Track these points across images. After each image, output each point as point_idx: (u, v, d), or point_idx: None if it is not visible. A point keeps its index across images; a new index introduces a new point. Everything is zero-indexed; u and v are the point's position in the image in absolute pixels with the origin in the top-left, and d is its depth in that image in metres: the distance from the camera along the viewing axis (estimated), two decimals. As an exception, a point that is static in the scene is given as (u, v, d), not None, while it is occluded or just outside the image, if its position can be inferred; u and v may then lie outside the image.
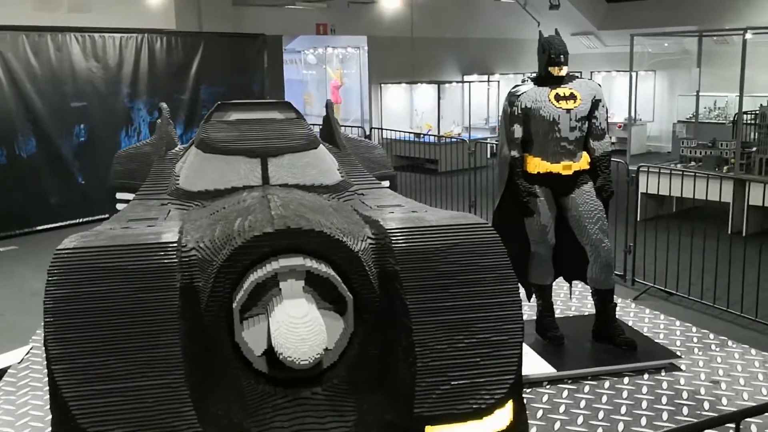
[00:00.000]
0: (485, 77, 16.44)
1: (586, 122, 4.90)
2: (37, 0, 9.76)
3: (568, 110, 4.79)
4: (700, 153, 9.59)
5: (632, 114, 10.44)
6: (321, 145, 6.30)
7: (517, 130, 4.87)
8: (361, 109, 16.54)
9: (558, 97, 4.80)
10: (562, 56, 4.80)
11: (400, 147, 14.48)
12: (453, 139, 13.49)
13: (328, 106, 8.39)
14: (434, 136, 13.99)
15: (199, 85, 11.42)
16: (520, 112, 4.84)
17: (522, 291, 5.23)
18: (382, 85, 15.58)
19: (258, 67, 12.16)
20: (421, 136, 13.98)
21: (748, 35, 8.64)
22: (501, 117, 5.04)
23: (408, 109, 15.90)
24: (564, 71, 4.86)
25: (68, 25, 9.80)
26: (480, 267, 3.92)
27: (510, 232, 5.06)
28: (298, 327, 3.43)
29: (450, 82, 15.73)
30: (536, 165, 4.89)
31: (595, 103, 4.93)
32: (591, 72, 16.98)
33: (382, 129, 13.46)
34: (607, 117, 5.05)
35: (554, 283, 5.36)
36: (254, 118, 6.72)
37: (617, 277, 7.02)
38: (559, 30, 5.35)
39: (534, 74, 5.06)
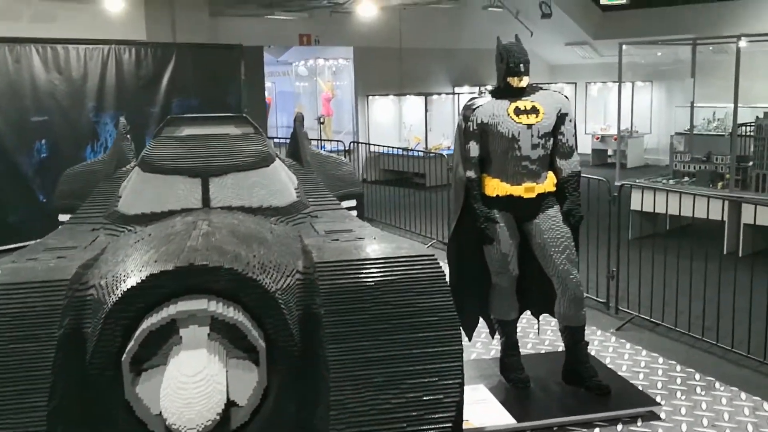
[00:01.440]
0: (476, 89, 15.92)
1: (551, 139, 4.37)
2: (-2, 10, 9.31)
3: (530, 125, 4.26)
4: (694, 167, 9.04)
5: (620, 126, 9.87)
6: (276, 162, 5.85)
7: (473, 148, 4.34)
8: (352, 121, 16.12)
9: (518, 111, 4.27)
10: (521, 65, 4.28)
11: (386, 161, 13.98)
12: (442, 152, 12.96)
13: (296, 120, 7.92)
14: (420, 151, 13.47)
15: (171, 98, 10.92)
16: (475, 127, 4.32)
17: (478, 329, 4.70)
18: (369, 97, 15.08)
19: (234, 79, 11.67)
20: (408, 150, 13.47)
21: (743, 43, 8.11)
22: (455, 133, 4.51)
23: (396, 122, 15.42)
24: (524, 82, 4.33)
25: (28, 36, 9.32)
26: (418, 309, 3.42)
27: (468, 262, 4.55)
28: (187, 388, 2.91)
29: (439, 93, 15.23)
30: (495, 187, 4.35)
31: (561, 118, 4.40)
32: (586, 83, 16.55)
33: (358, 143, 12.96)
34: (575, 133, 4.52)
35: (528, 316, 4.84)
36: (205, 134, 6.28)
37: (600, 304, 6.49)
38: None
39: (492, 86, 4.53)
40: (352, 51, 14.64)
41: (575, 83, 16.65)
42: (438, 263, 3.49)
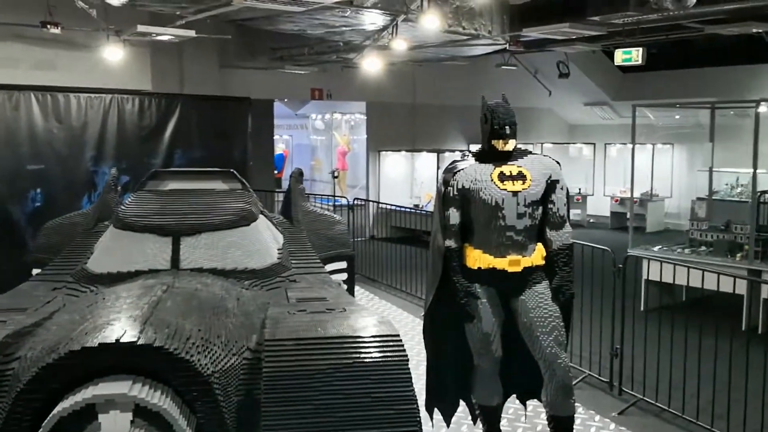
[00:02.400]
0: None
1: (539, 208, 3.97)
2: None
3: (515, 193, 3.88)
4: (712, 237, 8.55)
5: (633, 189, 9.46)
6: (258, 221, 5.56)
7: (453, 215, 3.95)
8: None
9: (503, 177, 3.89)
10: (507, 127, 3.92)
11: (396, 217, 13.63)
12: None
13: (292, 175, 7.66)
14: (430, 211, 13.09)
15: (173, 150, 10.69)
16: (456, 193, 3.94)
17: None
18: (381, 152, 14.83)
19: (240, 132, 11.43)
20: (419, 207, 13.11)
21: (762, 108, 7.71)
22: (435, 198, 4.13)
23: (408, 178, 15.12)
24: (510, 145, 3.97)
25: (28, 84, 9.19)
26: (372, 400, 3.01)
27: (446, 340, 4.12)
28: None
29: (453, 150, 14.91)
30: (477, 258, 3.95)
31: (551, 185, 4.01)
32: (605, 144, 16.16)
33: (367, 200, 12.61)
34: (567, 202, 4.11)
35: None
36: (187, 189, 6.02)
37: (603, 383, 5.99)
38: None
39: (477, 149, 4.16)
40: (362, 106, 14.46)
41: (594, 144, 16.28)
42: (402, 347, 3.10)
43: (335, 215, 7.26)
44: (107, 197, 6.49)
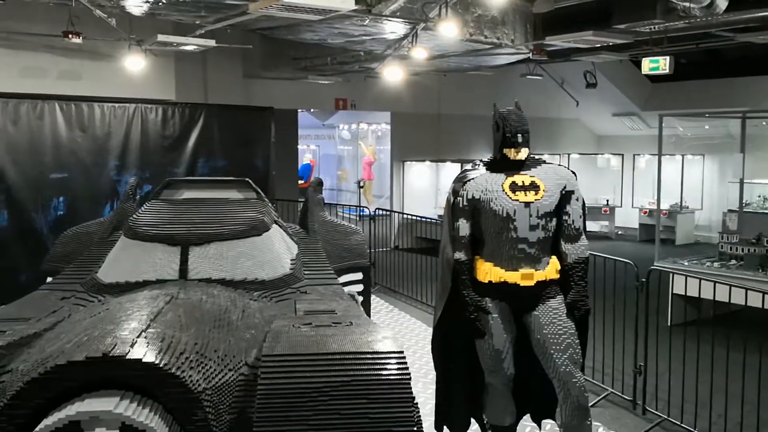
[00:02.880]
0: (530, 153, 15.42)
1: (553, 219, 3.83)
2: (24, 67, 9.28)
3: (527, 203, 3.74)
4: (742, 250, 8.30)
5: (659, 201, 9.25)
6: (271, 230, 5.49)
7: (463, 227, 3.83)
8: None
9: (514, 187, 3.76)
10: (519, 135, 3.79)
11: (420, 228, 13.50)
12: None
13: (311, 185, 7.63)
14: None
15: (197, 159, 10.70)
16: (466, 203, 3.82)
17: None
18: (406, 162, 14.73)
19: (263, 141, 11.41)
20: (441, 217, 12.95)
21: (793, 118, 7.46)
22: (444, 209, 4.01)
23: (433, 188, 14.99)
24: (523, 154, 3.84)
25: (53, 93, 9.26)
26: (370, 420, 2.89)
27: (456, 356, 3.99)
28: None
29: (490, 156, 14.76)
30: (487, 272, 3.81)
31: (566, 196, 3.87)
32: (634, 155, 15.89)
33: (391, 210, 12.50)
34: (583, 214, 3.97)
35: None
36: (200, 198, 6.00)
37: (626, 401, 5.80)
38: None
39: (489, 158, 4.04)
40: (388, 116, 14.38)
41: (622, 155, 16.02)
42: (405, 365, 2.98)
43: (353, 226, 7.17)
44: (125, 206, 6.50)
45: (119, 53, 9.07)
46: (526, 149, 3.86)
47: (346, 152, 21.54)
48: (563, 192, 3.85)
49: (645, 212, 15.38)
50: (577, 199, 3.90)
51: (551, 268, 3.83)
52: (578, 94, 15.38)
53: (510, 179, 3.80)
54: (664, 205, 15.25)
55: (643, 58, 9.28)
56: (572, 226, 3.87)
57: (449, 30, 6.13)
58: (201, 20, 7.39)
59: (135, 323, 3.25)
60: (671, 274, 8.12)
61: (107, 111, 9.67)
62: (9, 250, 8.90)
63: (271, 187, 11.50)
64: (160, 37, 7.62)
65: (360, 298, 6.47)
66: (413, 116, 14.40)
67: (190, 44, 7.78)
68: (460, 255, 3.82)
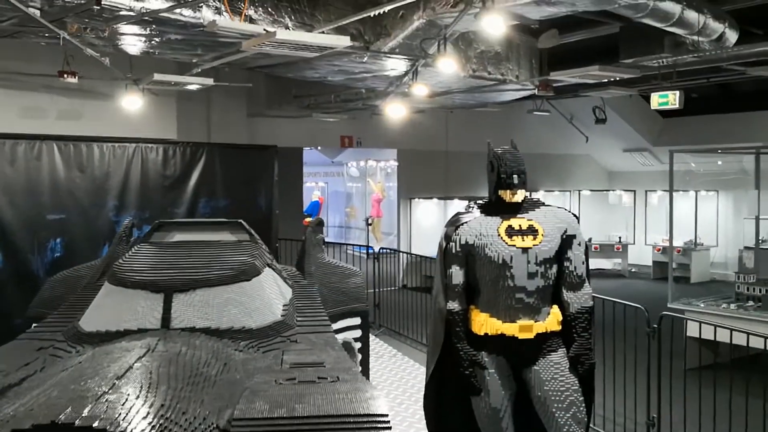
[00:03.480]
0: (529, 194, 15.16)
1: (553, 266, 3.56)
2: (24, 107, 9.18)
3: (525, 249, 3.48)
4: (760, 291, 7.96)
5: (672, 238, 8.95)
6: (262, 275, 5.26)
7: (456, 274, 3.57)
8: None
9: (511, 231, 3.51)
10: (515, 176, 3.55)
11: (429, 266, 13.20)
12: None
13: (310, 225, 7.43)
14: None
15: (198, 199, 10.51)
16: (459, 249, 3.56)
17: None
18: (413, 199, 14.51)
19: (266, 180, 11.23)
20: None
21: (810, 153, 7.19)
22: (437, 255, 3.75)
23: (441, 226, 14.70)
24: (519, 196, 3.60)
25: (52, 133, 9.14)
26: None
27: (451, 415, 3.70)
28: None
29: (485, 198, 14.52)
30: (483, 323, 3.54)
31: (567, 240, 3.61)
32: (646, 191, 15.60)
33: (399, 251, 12.24)
34: (586, 259, 3.70)
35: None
36: (190, 241, 5.80)
37: (640, 455, 5.45)
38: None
39: (483, 200, 3.79)
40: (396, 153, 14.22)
41: (634, 191, 15.73)
42: (389, 428, 2.70)
43: (352, 267, 6.91)
44: (116, 249, 6.30)
45: (119, 93, 8.96)
46: (523, 191, 3.62)
47: (354, 189, 21.41)
48: (564, 236, 3.59)
49: (658, 249, 15.04)
50: (579, 244, 3.64)
51: (552, 319, 3.56)
52: (588, 129, 15.16)
53: (506, 223, 3.55)
54: (678, 243, 14.94)
55: (652, 93, 9.06)
56: (574, 273, 3.60)
57: (448, 66, 5.94)
58: (198, 59, 7.26)
59: (100, 382, 3.03)
60: (685, 313, 7.81)
61: (106, 151, 9.53)
62: (3, 293, 8.70)
63: (275, 226, 11.29)
64: (157, 76, 7.49)
65: (357, 345, 6.20)
66: (420, 153, 14.23)
67: (188, 83, 7.63)
68: (453, 305, 3.55)
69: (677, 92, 8.72)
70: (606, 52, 9.05)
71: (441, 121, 14.15)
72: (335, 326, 6.06)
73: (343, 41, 5.66)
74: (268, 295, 5.19)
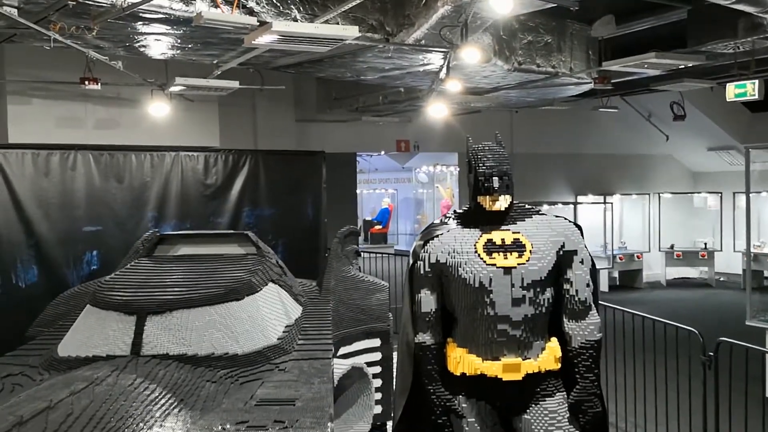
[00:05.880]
0: (601, 198, 14.17)
1: (546, 290, 2.84)
2: (61, 117, 9.02)
3: (508, 269, 2.78)
4: None
5: (749, 245, 7.88)
6: (260, 293, 4.79)
7: (426, 300, 2.90)
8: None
9: (491, 247, 2.81)
10: (496, 178, 2.85)
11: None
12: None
13: (339, 235, 6.93)
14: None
15: (241, 208, 10.12)
16: (428, 269, 2.89)
17: None
18: (476, 206, 13.76)
19: (314, 187, 10.74)
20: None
21: None
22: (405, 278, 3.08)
23: (506, 234, 13.93)
24: (503, 203, 2.89)
25: (89, 143, 8.94)
26: None
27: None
28: None
29: (555, 203, 13.63)
30: (459, 361, 2.85)
31: (566, 258, 2.88)
32: (734, 193, 14.27)
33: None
34: (594, 281, 2.95)
35: None
36: (195, 255, 5.39)
37: None
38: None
39: (463, 208, 3.10)
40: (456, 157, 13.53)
41: (720, 193, 14.46)
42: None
43: (380, 282, 6.30)
44: (125, 263, 5.95)
45: (147, 99, 8.68)
46: (508, 196, 2.92)
47: (425, 195, 20.86)
48: (561, 252, 2.87)
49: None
50: (581, 262, 2.90)
51: (547, 356, 2.83)
52: (668, 128, 14.02)
53: (486, 237, 2.85)
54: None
55: (728, 84, 8.06)
56: (576, 299, 2.86)
57: (472, 56, 5.26)
58: (217, 59, 6.84)
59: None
60: (766, 332, 6.84)
61: (145, 160, 9.26)
62: (39, 309, 8.51)
63: (323, 236, 10.80)
64: (179, 80, 7.12)
65: (373, 370, 5.58)
66: (483, 157, 13.47)
67: (211, 87, 7.23)
68: (423, 337, 2.87)
69: (756, 81, 7.70)
70: (674, 40, 8.13)
71: (505, 122, 13.35)
72: (349, 349, 5.50)
73: (351, 32, 5.07)
74: (264, 315, 4.70)
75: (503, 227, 2.89)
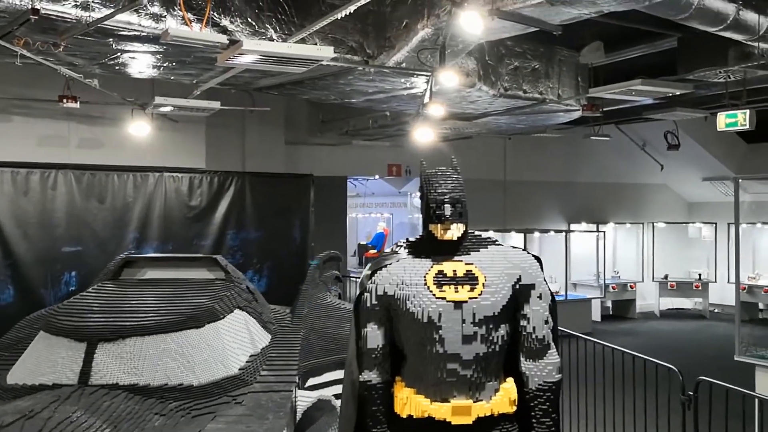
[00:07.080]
0: (594, 226, 14.00)
1: (500, 326, 2.66)
2: (43, 136, 8.88)
3: (458, 303, 2.60)
4: None
5: (738, 277, 7.68)
6: (224, 320, 4.60)
7: (372, 336, 2.71)
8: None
9: (441, 279, 2.64)
10: (447, 205, 2.68)
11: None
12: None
13: (320, 259, 6.77)
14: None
15: (225, 231, 9.99)
16: (375, 302, 2.71)
17: None
18: (468, 232, 13.58)
19: (301, 211, 10.61)
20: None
21: None
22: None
23: (498, 261, 13.73)
24: (455, 231, 2.73)
25: (72, 162, 8.81)
26: None
27: None
28: None
29: (547, 230, 13.46)
30: (407, 402, 2.66)
31: (522, 292, 2.70)
32: (728, 224, 14.09)
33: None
34: (552, 317, 2.76)
35: None
36: (159, 279, 5.22)
37: None
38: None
39: (414, 238, 2.93)
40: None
41: (715, 223, 14.30)
42: None
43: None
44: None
45: (128, 119, 8.53)
46: (461, 225, 2.75)
47: (420, 220, 20.67)
48: (517, 286, 2.69)
49: (743, 288, 13.50)
50: (539, 297, 2.72)
51: (501, 398, 2.64)
52: (662, 157, 13.89)
53: (436, 268, 2.68)
54: (766, 281, 13.46)
55: (719, 113, 7.92)
56: (533, 336, 2.68)
57: (450, 79, 5.13)
58: (196, 79, 6.71)
59: None
60: (757, 369, 6.64)
61: (127, 180, 9.13)
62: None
63: (310, 259, 10.61)
64: (158, 99, 6.99)
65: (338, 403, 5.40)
66: (476, 182, 13.26)
67: (191, 107, 7.09)
68: (369, 375, 2.68)
69: (747, 111, 7.56)
70: (667, 69, 8.01)
71: (498, 148, 13.23)
72: (318, 380, 5.30)
73: (326, 53, 4.95)
74: (226, 344, 4.51)
75: (456, 258, 2.72)
